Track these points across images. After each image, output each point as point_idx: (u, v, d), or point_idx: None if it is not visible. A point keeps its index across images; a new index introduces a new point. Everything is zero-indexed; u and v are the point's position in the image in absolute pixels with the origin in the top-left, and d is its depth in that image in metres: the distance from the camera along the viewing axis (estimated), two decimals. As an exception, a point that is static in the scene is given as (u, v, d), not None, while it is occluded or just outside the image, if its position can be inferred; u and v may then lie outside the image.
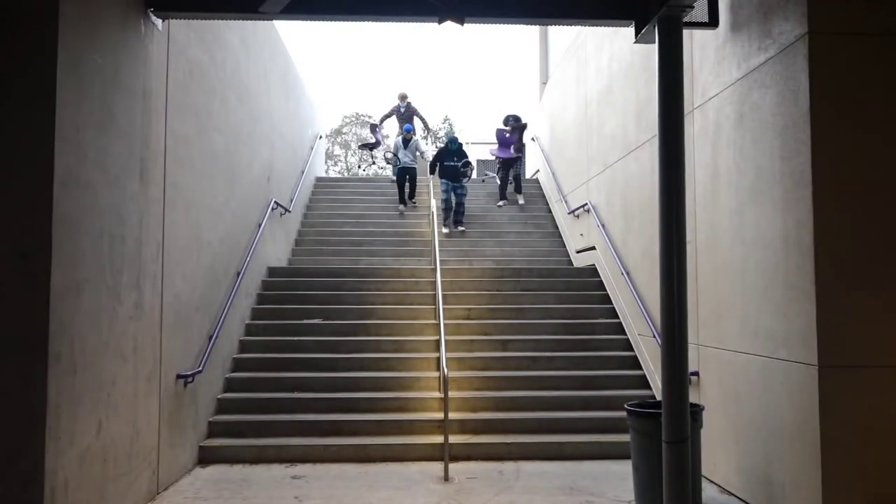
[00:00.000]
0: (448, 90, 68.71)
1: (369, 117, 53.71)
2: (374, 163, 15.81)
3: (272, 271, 9.65)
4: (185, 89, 5.98)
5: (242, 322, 8.29)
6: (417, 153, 13.19)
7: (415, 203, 12.94)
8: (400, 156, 12.99)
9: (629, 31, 5.87)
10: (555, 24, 5.93)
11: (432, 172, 12.49)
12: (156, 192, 5.37)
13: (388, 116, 14.99)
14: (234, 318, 7.80)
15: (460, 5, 5.31)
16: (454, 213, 12.07)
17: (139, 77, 5.07)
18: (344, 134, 52.50)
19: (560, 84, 12.12)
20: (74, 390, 4.16)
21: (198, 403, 6.50)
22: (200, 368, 6.27)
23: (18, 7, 3.98)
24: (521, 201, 12.97)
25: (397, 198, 13.12)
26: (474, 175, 14.79)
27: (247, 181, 8.09)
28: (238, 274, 7.68)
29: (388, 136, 15.38)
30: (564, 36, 12.85)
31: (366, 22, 5.61)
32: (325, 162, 18.88)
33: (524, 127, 13.55)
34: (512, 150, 13.13)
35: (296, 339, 8.25)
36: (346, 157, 52.24)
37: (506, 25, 5.83)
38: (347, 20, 5.56)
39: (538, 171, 14.28)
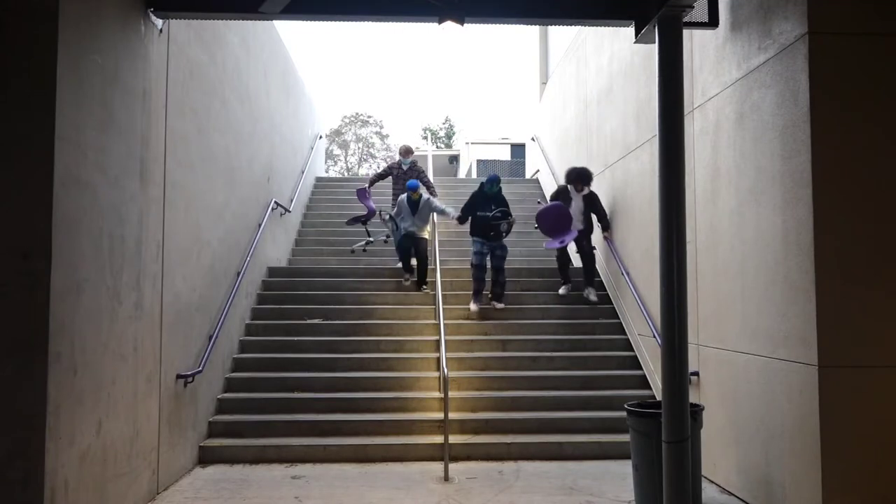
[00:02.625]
0: (448, 90, 68.70)
1: (369, 117, 53.78)
2: (368, 242, 11.29)
3: (272, 271, 9.65)
4: (185, 89, 5.98)
5: (242, 322, 8.29)
6: (433, 214, 9.67)
7: (426, 287, 9.43)
8: (404, 223, 9.45)
9: (629, 30, 5.88)
10: (555, 25, 5.94)
11: (462, 222, 9.04)
12: (156, 192, 5.37)
13: (381, 177, 10.89)
14: (234, 318, 7.80)
15: (460, 5, 5.31)
16: (492, 283, 8.86)
17: (139, 77, 5.07)
18: (343, 134, 52.57)
19: (560, 84, 12.12)
20: (74, 390, 4.16)
21: (198, 403, 6.50)
22: (200, 368, 6.27)
23: (18, 7, 3.98)
24: (592, 297, 8.94)
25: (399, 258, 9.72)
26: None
27: (247, 181, 8.09)
28: (238, 274, 7.68)
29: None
30: (564, 36, 12.85)
31: (365, 22, 5.61)
32: (325, 162, 18.78)
33: (588, 178, 9.05)
34: (580, 224, 8.89)
35: (296, 339, 8.25)
36: (345, 157, 52.29)
37: (506, 25, 5.83)
38: (347, 20, 5.56)
39: (538, 171, 14.28)
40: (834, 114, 4.56)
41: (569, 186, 8.98)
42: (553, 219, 8.57)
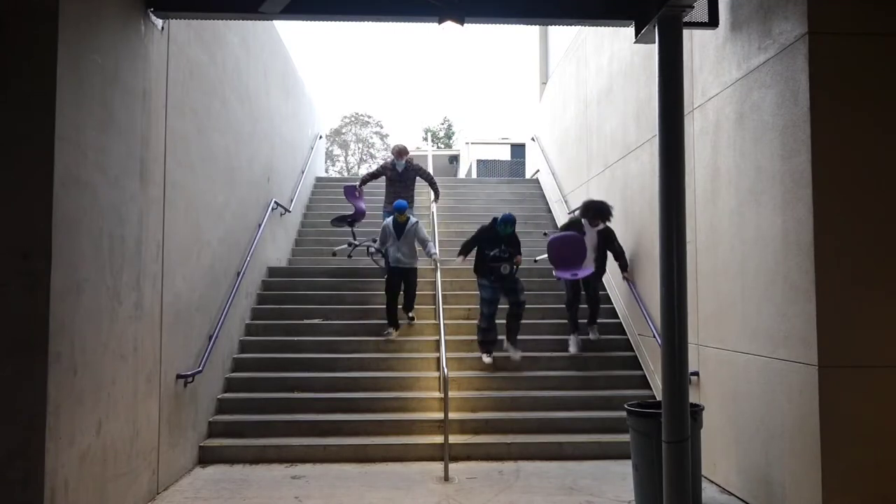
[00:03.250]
0: (448, 90, 68.71)
1: (368, 117, 53.81)
2: (353, 245, 10.20)
3: (272, 271, 9.65)
4: (185, 89, 5.98)
5: (242, 322, 8.29)
6: (418, 245, 8.60)
7: (412, 319, 8.67)
8: (390, 249, 8.38)
9: (629, 30, 5.87)
10: (555, 24, 5.94)
11: (464, 256, 8.12)
12: (156, 192, 5.37)
13: (373, 177, 9.80)
14: (234, 318, 7.80)
15: (460, 5, 5.31)
16: (507, 327, 7.88)
17: (139, 77, 5.07)
18: (343, 134, 52.59)
19: (560, 84, 12.12)
20: (74, 390, 4.16)
21: (198, 403, 6.50)
22: (200, 368, 6.27)
23: (18, 7, 3.98)
24: (592, 336, 8.29)
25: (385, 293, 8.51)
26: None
27: (247, 181, 8.09)
28: (238, 274, 7.68)
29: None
30: (564, 36, 12.85)
31: (365, 22, 5.61)
32: (325, 162, 18.78)
33: (608, 214, 7.98)
34: (592, 263, 7.99)
35: (296, 339, 8.25)
36: (345, 157, 52.30)
37: (506, 25, 5.83)
38: (347, 20, 5.56)
39: (538, 170, 14.28)
40: (834, 114, 4.56)
41: (583, 220, 7.98)
42: (569, 249, 7.77)
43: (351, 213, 10.09)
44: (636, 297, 7.81)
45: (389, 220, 8.48)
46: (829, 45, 4.58)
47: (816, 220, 4.51)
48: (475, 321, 8.81)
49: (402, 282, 8.39)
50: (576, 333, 8.13)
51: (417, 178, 9.70)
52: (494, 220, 7.98)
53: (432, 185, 9.91)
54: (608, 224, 7.99)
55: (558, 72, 12.32)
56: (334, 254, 10.46)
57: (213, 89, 6.76)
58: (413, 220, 8.46)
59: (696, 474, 5.18)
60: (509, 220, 7.82)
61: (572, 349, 8.06)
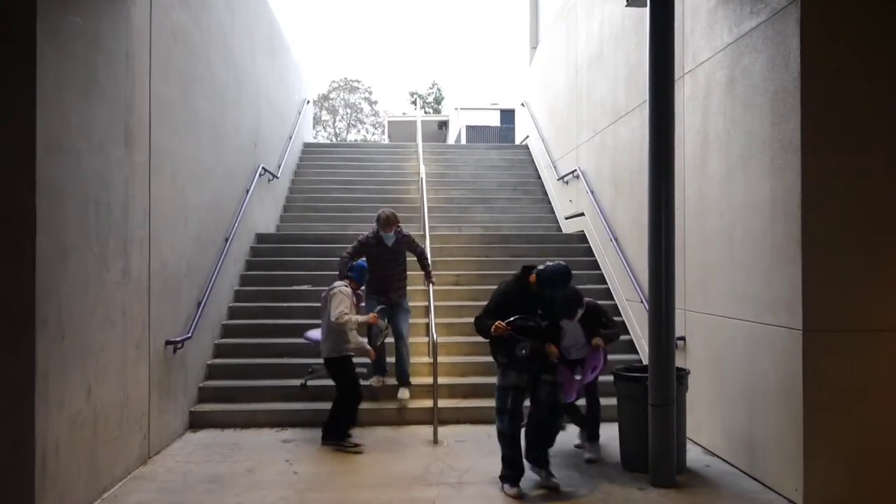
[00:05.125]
0: (436, 55, 67.85)
1: (357, 82, 53.08)
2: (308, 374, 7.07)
3: (260, 237, 9.61)
4: (169, 53, 5.86)
5: (231, 288, 8.28)
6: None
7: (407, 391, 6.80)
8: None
9: (620, -6, 5.79)
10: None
11: (482, 329, 4.96)
12: (141, 157, 5.30)
13: (353, 257, 6.73)
14: (223, 285, 7.78)
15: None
16: (526, 440, 5.02)
17: (122, 40, 4.97)
18: (332, 99, 51.98)
19: (550, 49, 12.00)
20: (63, 356, 4.16)
21: (187, 369, 6.52)
22: (189, 335, 6.28)
23: (-5, -35, 3.87)
24: (594, 455, 5.59)
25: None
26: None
27: (233, 147, 8.00)
28: (226, 240, 7.64)
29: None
30: (555, -1, 12.67)
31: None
32: (313, 127, 18.59)
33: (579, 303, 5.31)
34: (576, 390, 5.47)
35: (285, 305, 8.26)
36: (333, 123, 51.78)
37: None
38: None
39: (527, 137, 14.21)
40: (825, 79, 4.54)
41: (561, 320, 5.28)
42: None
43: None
44: (624, 262, 7.85)
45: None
46: (820, 10, 4.54)
47: (804, 187, 4.52)
48: (464, 287, 8.85)
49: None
50: (594, 441, 5.65)
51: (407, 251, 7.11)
52: (526, 269, 5.08)
53: (423, 261, 7.24)
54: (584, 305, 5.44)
55: (549, 36, 12.18)
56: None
57: (198, 53, 6.64)
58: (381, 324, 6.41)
59: (681, 437, 5.27)
60: (559, 277, 4.88)
61: (590, 456, 5.57)
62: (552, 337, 5.06)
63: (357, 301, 6.11)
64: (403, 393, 6.77)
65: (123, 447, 5.05)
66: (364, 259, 6.67)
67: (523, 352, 4.79)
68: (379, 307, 6.64)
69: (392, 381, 6.90)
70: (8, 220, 3.87)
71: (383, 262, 6.83)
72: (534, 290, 4.96)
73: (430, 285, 7.24)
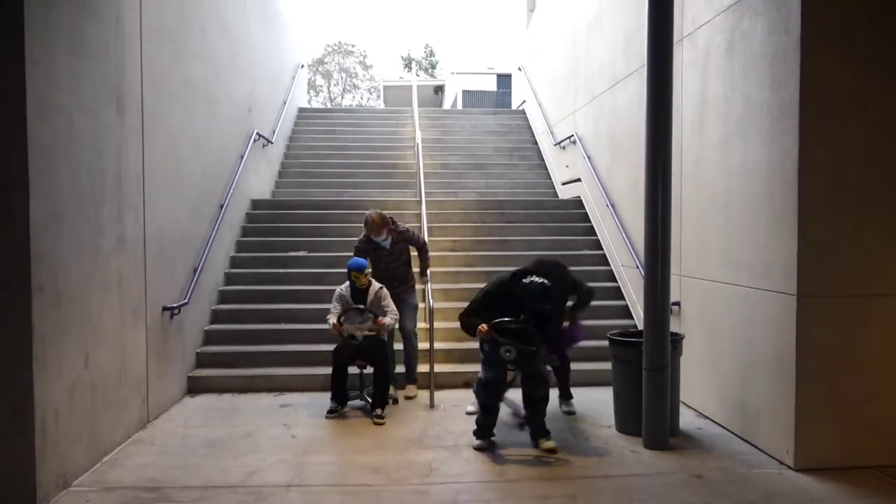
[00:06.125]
0: (431, 16, 66.78)
1: (352, 46, 52.31)
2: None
3: (256, 204, 9.57)
4: (161, 15, 5.76)
5: (227, 255, 8.27)
6: (392, 317, 6.06)
7: (382, 415, 5.76)
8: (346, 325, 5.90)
9: (619, -46, 5.69)
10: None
11: (466, 325, 5.28)
12: (133, 122, 5.24)
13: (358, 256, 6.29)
14: (219, 251, 7.77)
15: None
16: (528, 417, 5.16)
17: (111, 2, 4.87)
18: (326, 63, 51.30)
19: (548, 11, 11.82)
20: (60, 322, 4.16)
21: (185, 335, 6.54)
22: (186, 300, 6.28)
23: (-21, -76, 3.77)
24: (568, 409, 5.99)
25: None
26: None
27: (227, 111, 7.92)
28: (221, 206, 7.61)
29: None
30: (553, -40, 12.44)
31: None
32: (308, 92, 18.38)
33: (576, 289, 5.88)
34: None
35: (281, 271, 8.27)
36: (328, 88, 51.21)
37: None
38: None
39: (524, 101, 14.09)
40: (825, 43, 4.49)
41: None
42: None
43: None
44: (620, 228, 7.85)
45: (345, 288, 6.11)
46: (823, -29, 4.46)
47: (802, 152, 4.50)
48: (460, 253, 8.85)
49: (355, 359, 5.95)
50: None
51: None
52: (515, 275, 5.10)
53: (423, 255, 6.83)
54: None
55: (546, -2, 11.98)
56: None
57: (190, 16, 6.52)
58: (376, 284, 6.12)
59: (675, 400, 5.34)
60: (540, 295, 4.86)
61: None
62: (543, 330, 5.07)
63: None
64: (410, 390, 6.51)
65: (123, 412, 5.08)
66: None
67: (508, 355, 4.91)
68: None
69: (412, 392, 6.55)
70: (1, 186, 3.83)
71: (384, 263, 6.48)
72: (519, 296, 4.96)
73: (426, 282, 6.78)
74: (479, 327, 4.98)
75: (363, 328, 5.85)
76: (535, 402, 5.06)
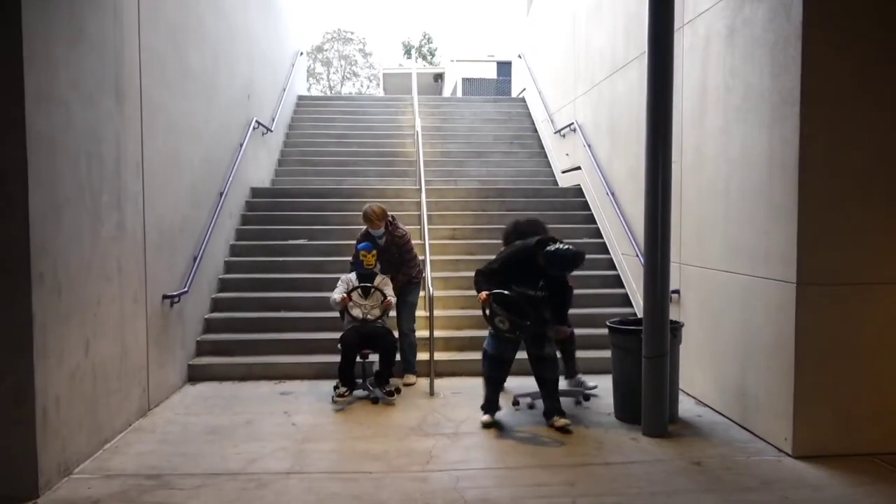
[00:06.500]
0: (430, 3, 66.40)
1: (351, 34, 52.08)
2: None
3: (255, 192, 9.55)
4: (158, 3, 5.72)
5: (227, 243, 8.27)
6: (389, 297, 6.00)
7: (393, 390, 5.97)
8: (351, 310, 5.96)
9: (620, -60, 5.65)
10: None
11: (481, 289, 5.20)
12: (132, 110, 5.22)
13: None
14: (219, 239, 7.77)
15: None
16: (544, 397, 5.30)
17: (109, -12, 4.85)
18: (326, 51, 51.07)
19: (548, -2, 11.75)
20: (60, 310, 4.17)
21: (185, 323, 6.55)
22: (186, 289, 6.29)
23: None
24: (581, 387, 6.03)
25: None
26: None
27: (226, 99, 7.89)
28: (221, 195, 7.60)
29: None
30: (553, -54, 12.35)
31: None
32: (307, 80, 18.29)
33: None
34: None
35: (280, 259, 8.27)
36: (328, 76, 51.01)
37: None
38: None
39: (524, 89, 14.03)
40: (826, 30, 4.47)
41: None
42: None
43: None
44: (620, 216, 7.85)
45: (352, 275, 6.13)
46: (825, -43, 4.43)
47: (802, 139, 4.49)
48: (460, 241, 8.85)
49: (358, 344, 5.91)
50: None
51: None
52: (541, 242, 5.10)
53: (404, 265, 6.48)
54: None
55: (546, -15, 11.91)
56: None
57: (188, 4, 6.48)
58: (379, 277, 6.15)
59: (674, 388, 5.35)
60: (568, 259, 4.89)
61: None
62: (560, 297, 5.33)
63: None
64: (409, 378, 6.50)
65: (123, 400, 5.10)
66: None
67: (501, 325, 5.08)
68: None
69: (411, 380, 6.54)
70: (0, 173, 3.83)
71: (383, 257, 6.40)
72: (541, 263, 5.03)
73: (390, 304, 6.05)
74: (479, 295, 5.16)
75: (370, 305, 6.02)
76: (545, 383, 5.25)
